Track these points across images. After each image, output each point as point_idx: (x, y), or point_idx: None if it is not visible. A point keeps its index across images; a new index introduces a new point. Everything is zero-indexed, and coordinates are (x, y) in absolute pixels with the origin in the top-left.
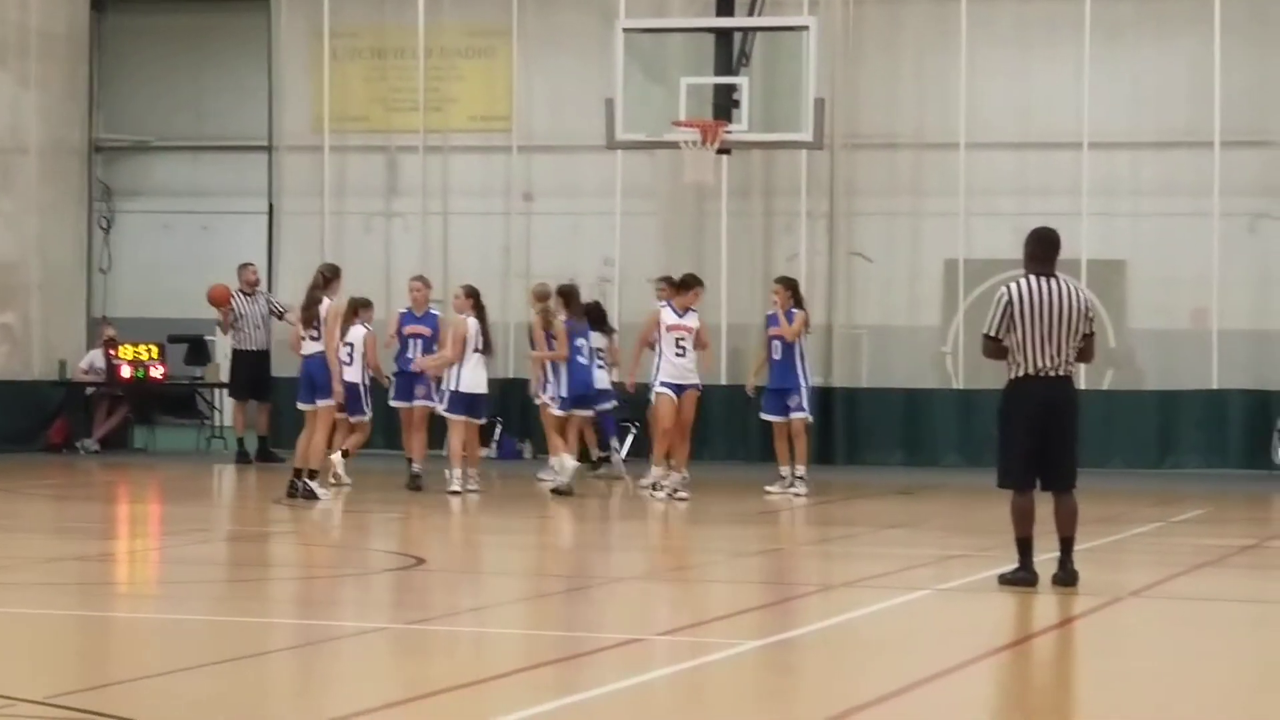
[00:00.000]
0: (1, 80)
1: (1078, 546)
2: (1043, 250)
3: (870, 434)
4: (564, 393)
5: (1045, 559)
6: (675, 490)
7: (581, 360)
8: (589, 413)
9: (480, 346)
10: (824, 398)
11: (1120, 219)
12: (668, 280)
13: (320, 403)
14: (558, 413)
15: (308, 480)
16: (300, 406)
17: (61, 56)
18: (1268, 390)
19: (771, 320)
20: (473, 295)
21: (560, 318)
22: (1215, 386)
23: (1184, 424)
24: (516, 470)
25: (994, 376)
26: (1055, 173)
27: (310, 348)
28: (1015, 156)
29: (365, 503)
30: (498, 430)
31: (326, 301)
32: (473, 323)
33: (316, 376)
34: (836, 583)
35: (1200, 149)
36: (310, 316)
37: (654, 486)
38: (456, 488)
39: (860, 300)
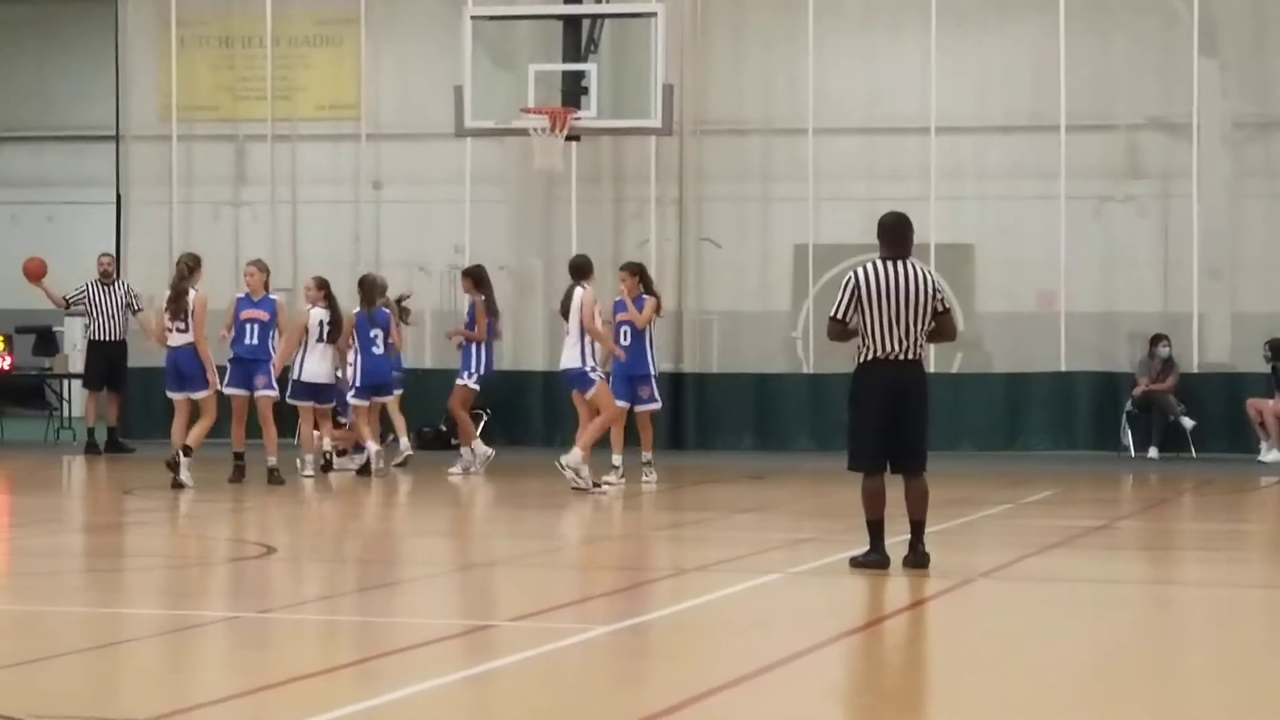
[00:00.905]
0: None
1: (928, 529)
2: (896, 234)
3: (721, 419)
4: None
5: (896, 541)
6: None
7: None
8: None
9: (324, 336)
10: (675, 383)
11: (967, 203)
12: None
13: (198, 394)
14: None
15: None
16: (171, 395)
17: None
18: (1115, 372)
19: (619, 307)
20: (323, 286)
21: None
22: (1063, 369)
23: (1032, 406)
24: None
25: (844, 361)
26: (903, 157)
27: (178, 339)
28: (863, 141)
29: (219, 491)
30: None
31: (193, 292)
32: (316, 313)
33: (184, 367)
34: (688, 567)
35: (1045, 133)
36: (179, 308)
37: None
38: (310, 473)
39: (710, 286)
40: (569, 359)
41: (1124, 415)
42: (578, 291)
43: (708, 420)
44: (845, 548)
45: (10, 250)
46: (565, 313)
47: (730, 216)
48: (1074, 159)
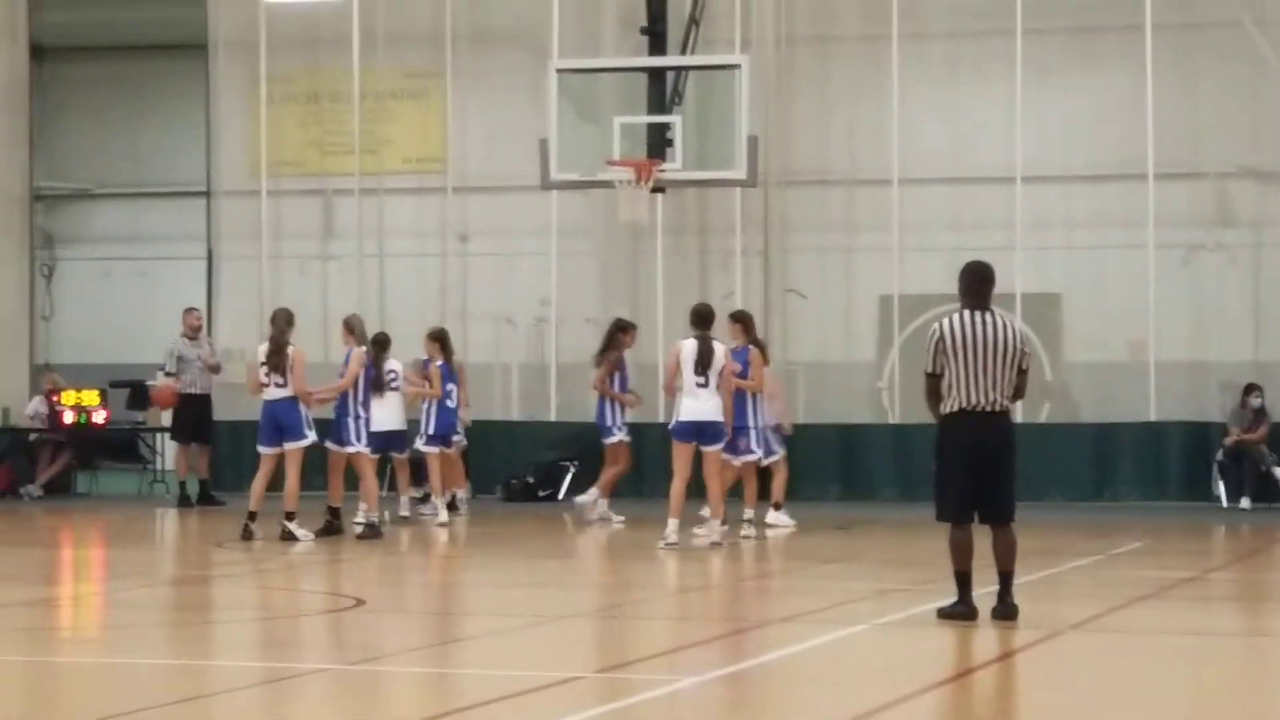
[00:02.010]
0: None
1: (1016, 580)
2: (976, 284)
3: (806, 469)
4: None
5: (984, 593)
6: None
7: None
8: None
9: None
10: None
11: (1054, 252)
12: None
13: (289, 445)
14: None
15: (286, 522)
16: (261, 450)
17: (1, 105)
18: (1205, 422)
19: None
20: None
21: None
22: (1152, 419)
23: (1121, 456)
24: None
25: (929, 411)
26: (989, 207)
27: (276, 393)
28: (948, 192)
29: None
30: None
31: (292, 346)
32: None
33: (283, 419)
34: (775, 618)
35: (1133, 182)
36: (279, 362)
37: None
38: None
39: (795, 336)
40: (712, 410)
41: (1215, 465)
42: (718, 345)
43: (793, 470)
44: (932, 599)
45: (103, 305)
46: (703, 365)
47: (815, 267)
48: (1162, 207)
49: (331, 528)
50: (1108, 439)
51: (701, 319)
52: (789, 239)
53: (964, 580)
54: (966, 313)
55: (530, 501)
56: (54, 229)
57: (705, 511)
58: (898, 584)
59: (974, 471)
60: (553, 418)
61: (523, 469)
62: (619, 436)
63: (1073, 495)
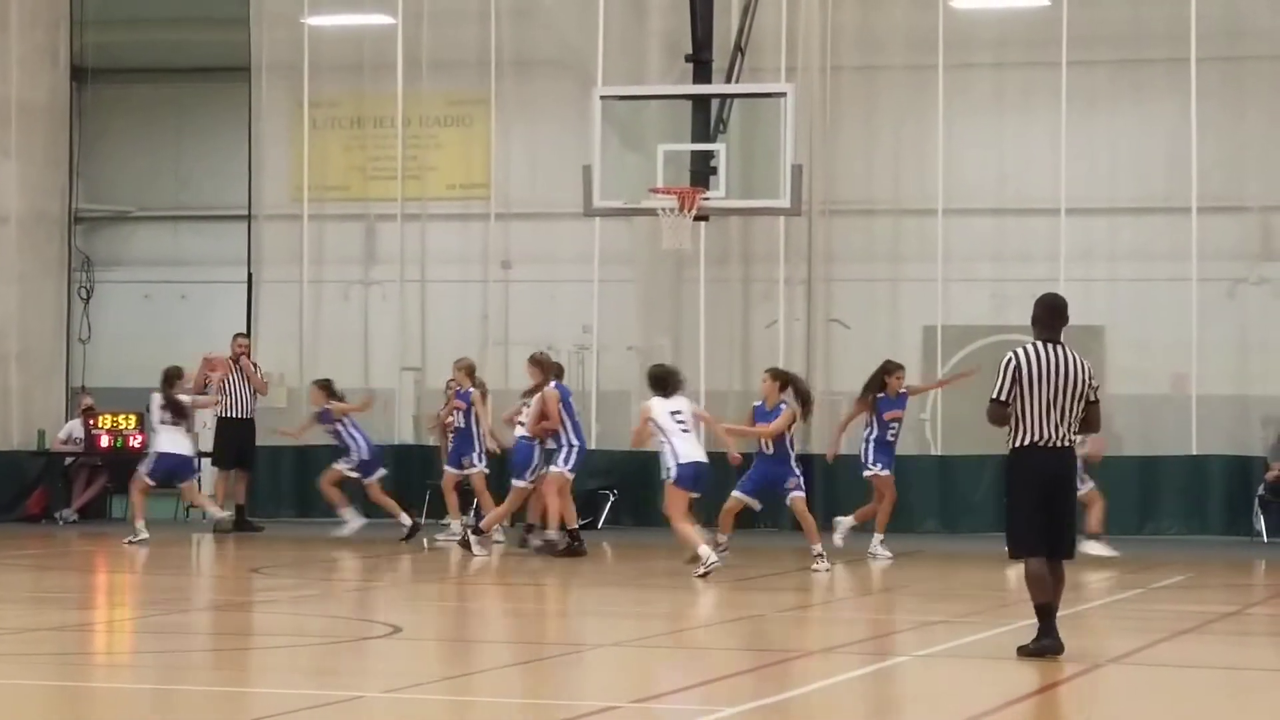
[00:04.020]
0: None
1: (1059, 613)
2: (1049, 317)
3: (849, 500)
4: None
5: (1022, 625)
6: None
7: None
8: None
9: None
10: (803, 464)
11: (1098, 284)
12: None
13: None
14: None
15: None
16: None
17: (42, 127)
18: (1248, 456)
19: (757, 413)
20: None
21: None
22: (1195, 452)
23: (1164, 490)
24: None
25: (972, 443)
26: (1033, 239)
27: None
28: (993, 223)
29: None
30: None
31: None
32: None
33: (518, 456)
34: (816, 649)
35: (1178, 215)
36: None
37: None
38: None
39: (839, 366)
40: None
41: (1256, 500)
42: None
43: (835, 501)
44: (974, 630)
45: (142, 328)
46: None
47: (859, 297)
48: (1206, 240)
49: (574, 549)
50: (1150, 472)
51: (658, 381)
52: (833, 268)
53: (1046, 613)
54: (1039, 344)
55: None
56: (93, 251)
57: (816, 547)
58: (940, 615)
59: (1044, 507)
60: (593, 445)
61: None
62: (876, 470)
63: (1114, 528)
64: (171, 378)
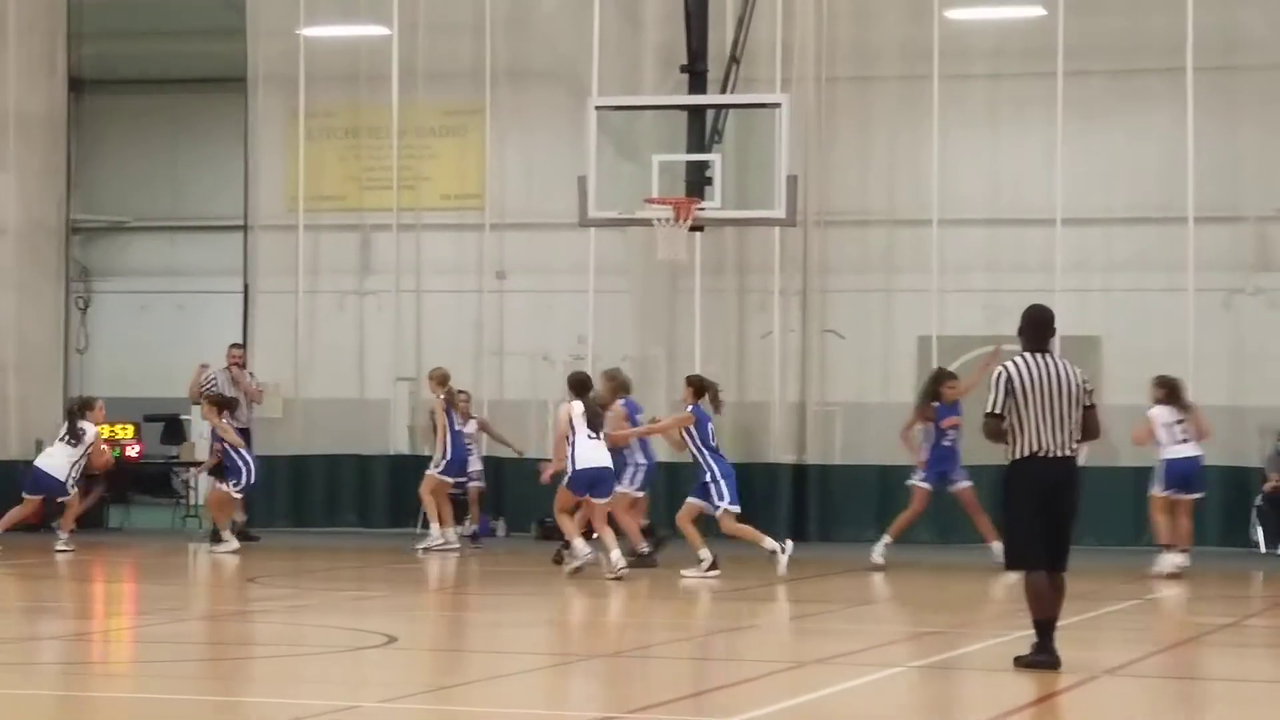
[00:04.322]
0: None
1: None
2: (1034, 329)
3: (843, 511)
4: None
5: (1018, 637)
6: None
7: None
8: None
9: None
10: (797, 474)
11: (1093, 295)
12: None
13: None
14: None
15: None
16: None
17: (39, 137)
18: (1244, 467)
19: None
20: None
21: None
22: None
23: None
24: (495, 546)
25: (965, 453)
26: (1028, 249)
27: None
28: (988, 233)
29: (342, 580)
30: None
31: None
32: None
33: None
34: (810, 659)
35: (1173, 225)
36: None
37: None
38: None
39: (833, 377)
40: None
41: (1253, 510)
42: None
43: (830, 512)
44: (968, 642)
45: (139, 338)
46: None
47: (854, 308)
48: (1202, 251)
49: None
50: (1146, 482)
51: (580, 386)
52: (828, 279)
53: (1044, 628)
54: (1030, 356)
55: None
56: (90, 262)
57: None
58: (934, 626)
59: (1044, 517)
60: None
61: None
62: (915, 480)
63: (1109, 539)
64: (84, 407)
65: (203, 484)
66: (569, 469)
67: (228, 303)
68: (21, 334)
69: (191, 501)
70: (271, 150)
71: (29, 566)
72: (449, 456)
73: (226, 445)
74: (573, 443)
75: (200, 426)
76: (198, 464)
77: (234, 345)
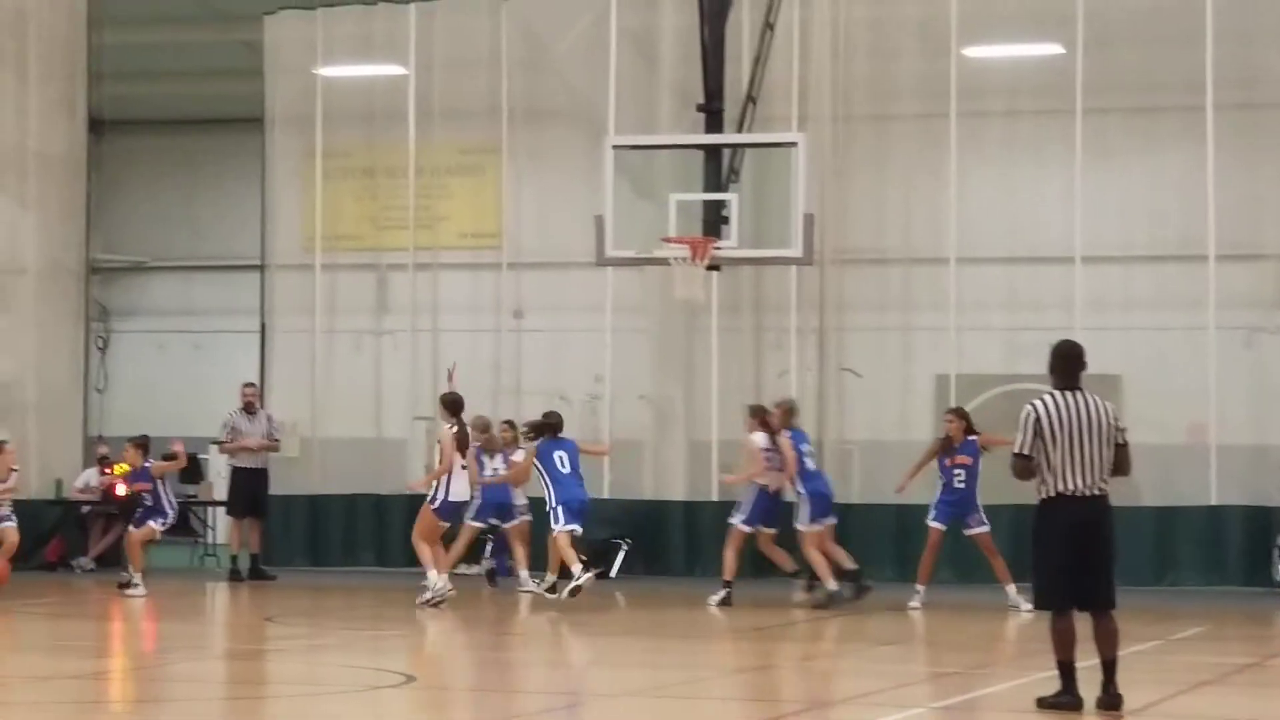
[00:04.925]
0: (0, 201)
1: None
2: (1064, 365)
3: (861, 549)
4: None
5: (1039, 678)
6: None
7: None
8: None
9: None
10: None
11: (1113, 333)
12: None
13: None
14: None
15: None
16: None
17: (59, 178)
18: (1267, 506)
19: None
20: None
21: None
22: (1214, 502)
23: (1182, 540)
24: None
25: (987, 492)
26: (1047, 287)
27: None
28: (1006, 271)
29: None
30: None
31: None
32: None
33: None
34: (830, 700)
35: (1194, 263)
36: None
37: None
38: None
39: (851, 415)
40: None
41: (1275, 550)
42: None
43: (848, 550)
44: (989, 683)
45: (157, 378)
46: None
47: (871, 346)
48: (1223, 288)
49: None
50: (1168, 522)
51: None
52: (845, 317)
53: (1067, 670)
54: (1059, 394)
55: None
56: (109, 301)
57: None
58: (954, 667)
59: (1074, 557)
60: (605, 495)
61: (576, 546)
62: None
63: (1133, 579)
64: None
65: (221, 523)
66: (439, 496)
67: (245, 342)
68: (41, 373)
69: (209, 540)
70: (288, 190)
71: (52, 605)
72: (481, 500)
73: (158, 485)
74: (453, 471)
75: (217, 465)
76: (216, 503)
77: (247, 384)
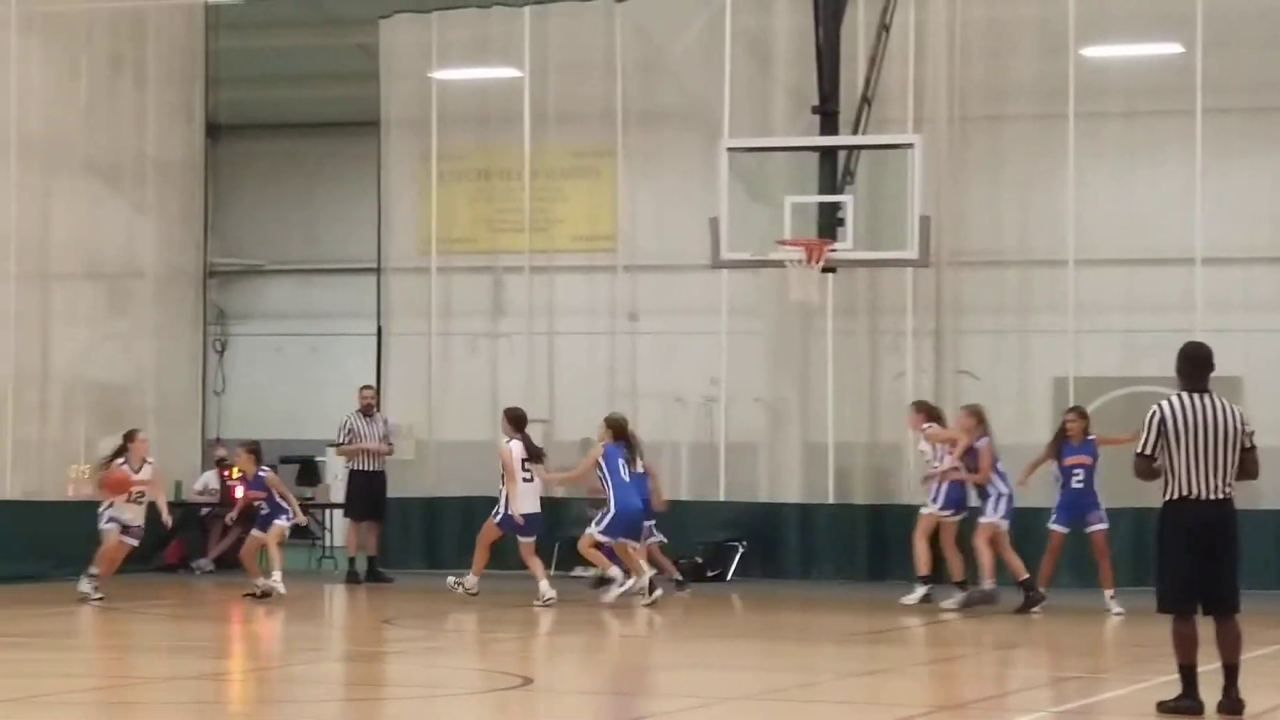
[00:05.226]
0: (119, 206)
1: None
2: (1192, 367)
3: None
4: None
5: (1159, 682)
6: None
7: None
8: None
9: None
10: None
11: (1235, 335)
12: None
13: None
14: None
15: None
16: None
17: (177, 182)
18: None
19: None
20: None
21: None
22: None
23: None
24: None
25: (1109, 494)
26: (1167, 289)
27: None
28: (1125, 273)
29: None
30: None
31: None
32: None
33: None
34: (949, 704)
35: None
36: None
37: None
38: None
39: None
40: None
41: None
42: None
43: (967, 554)
44: (1109, 687)
45: (274, 381)
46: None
47: (988, 348)
48: None
49: (1031, 599)
50: None
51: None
52: (961, 320)
53: (1189, 674)
54: (1186, 395)
55: (699, 582)
56: (227, 305)
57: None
58: (1075, 671)
59: (1197, 560)
60: (721, 497)
61: (692, 549)
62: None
63: (1254, 583)
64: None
65: (339, 525)
66: (500, 510)
67: (361, 345)
68: (160, 377)
69: (327, 543)
70: (404, 193)
71: (171, 607)
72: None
73: (273, 493)
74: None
75: (334, 467)
76: (334, 505)
77: (365, 386)
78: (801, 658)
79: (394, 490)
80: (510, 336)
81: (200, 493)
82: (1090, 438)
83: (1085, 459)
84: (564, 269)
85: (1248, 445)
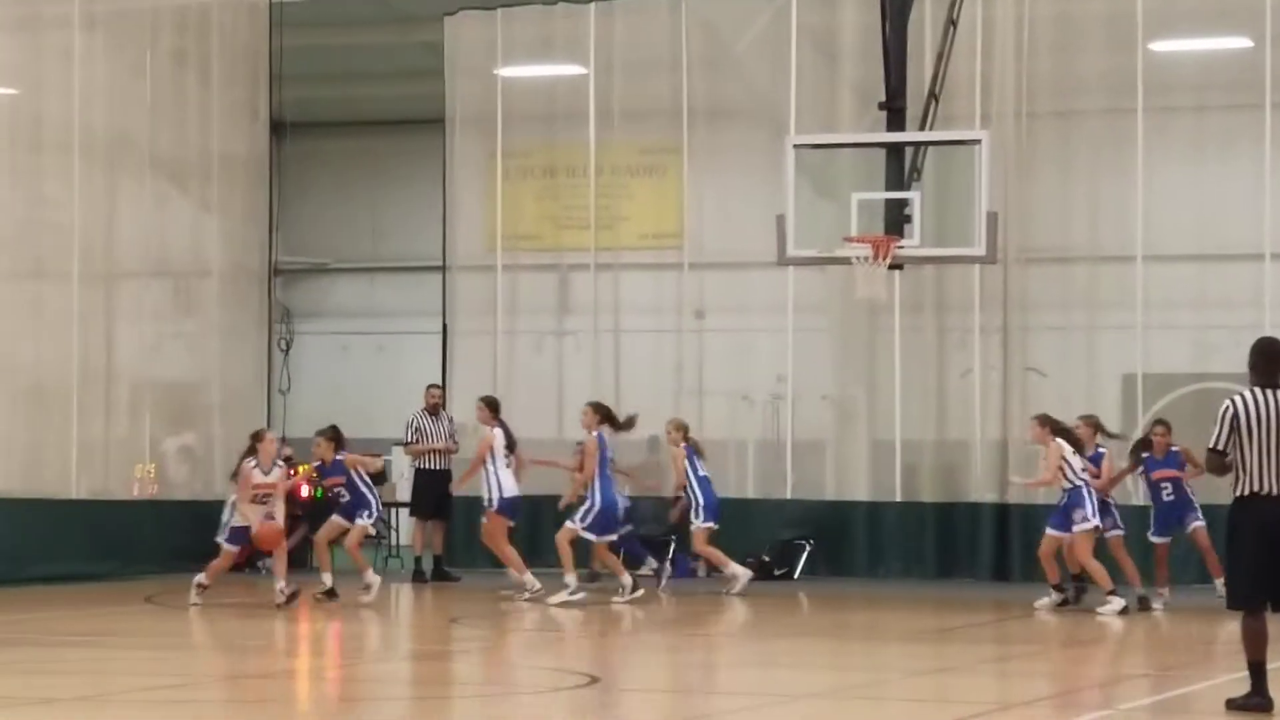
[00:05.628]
0: (184, 204)
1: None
2: (1265, 363)
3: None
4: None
5: (1229, 680)
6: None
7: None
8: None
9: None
10: (1000, 514)
11: None
12: None
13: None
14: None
15: None
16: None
17: (242, 181)
18: None
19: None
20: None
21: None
22: None
23: None
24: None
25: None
26: (1237, 285)
27: None
28: (1194, 269)
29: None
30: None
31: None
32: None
33: None
34: (1016, 701)
35: None
36: None
37: None
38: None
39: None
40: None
41: None
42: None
43: (1034, 552)
44: (1180, 684)
45: (340, 379)
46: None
47: (1056, 345)
48: None
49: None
50: None
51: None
52: (1029, 316)
53: (1259, 670)
54: (1259, 391)
55: (766, 580)
56: (292, 303)
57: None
58: (1142, 669)
59: (1267, 557)
60: (788, 495)
61: (759, 547)
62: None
63: None
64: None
65: (405, 524)
66: (494, 498)
67: (427, 343)
68: (226, 376)
69: (392, 542)
70: (469, 190)
71: (237, 605)
72: (703, 503)
73: (356, 478)
74: (494, 470)
75: (400, 466)
76: (400, 504)
77: (432, 385)
78: (869, 656)
79: (461, 489)
80: (576, 334)
81: None
82: (1175, 450)
83: (1172, 472)
84: (630, 266)
85: None
